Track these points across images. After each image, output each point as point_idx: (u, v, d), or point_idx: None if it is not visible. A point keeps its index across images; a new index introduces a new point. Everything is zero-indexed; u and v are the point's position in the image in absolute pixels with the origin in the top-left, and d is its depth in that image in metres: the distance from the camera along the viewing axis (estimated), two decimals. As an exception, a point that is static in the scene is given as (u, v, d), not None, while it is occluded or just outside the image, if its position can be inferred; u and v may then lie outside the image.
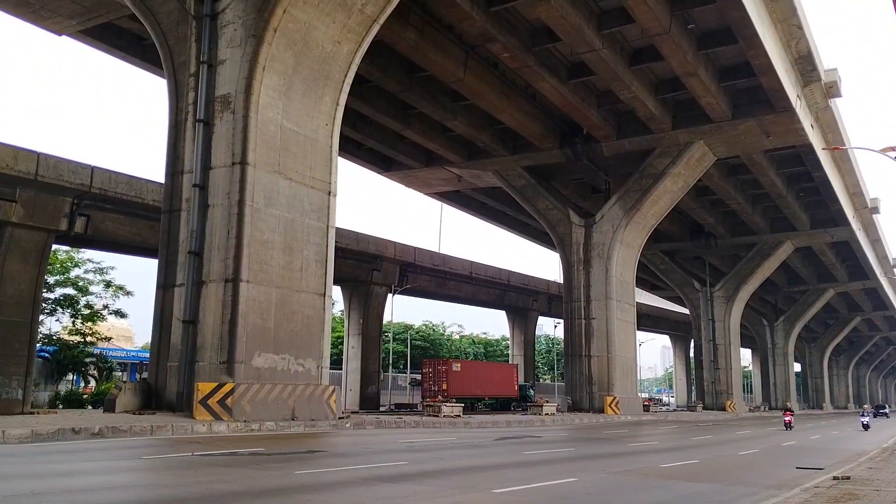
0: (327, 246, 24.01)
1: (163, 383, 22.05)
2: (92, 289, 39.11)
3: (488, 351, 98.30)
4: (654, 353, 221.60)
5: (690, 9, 30.55)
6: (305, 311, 23.07)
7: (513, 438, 23.16)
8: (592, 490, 11.64)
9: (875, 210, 57.19)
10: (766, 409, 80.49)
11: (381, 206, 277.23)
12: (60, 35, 30.87)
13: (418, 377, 66.24)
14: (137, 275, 44.03)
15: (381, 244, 48.39)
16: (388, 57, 32.66)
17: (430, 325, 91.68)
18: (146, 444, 15.72)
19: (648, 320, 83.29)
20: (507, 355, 77.84)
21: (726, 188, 49.47)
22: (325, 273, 23.83)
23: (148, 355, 27.52)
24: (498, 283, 61.29)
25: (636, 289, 48.55)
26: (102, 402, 25.32)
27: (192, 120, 22.75)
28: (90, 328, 39.47)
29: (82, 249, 37.85)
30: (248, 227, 21.45)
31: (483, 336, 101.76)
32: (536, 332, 76.96)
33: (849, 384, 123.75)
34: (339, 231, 29.53)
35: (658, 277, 70.42)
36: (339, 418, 23.89)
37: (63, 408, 33.61)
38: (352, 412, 34.49)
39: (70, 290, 38.41)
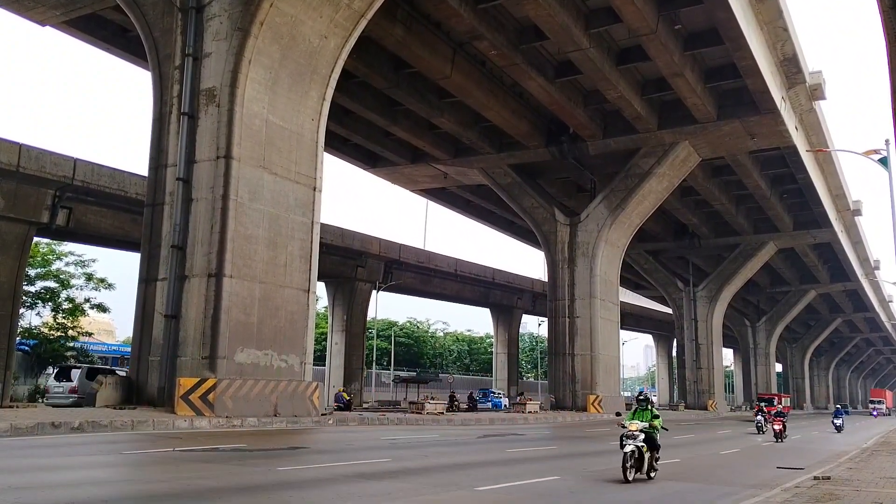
0: (312, 241, 23.90)
1: (144, 378, 21.87)
2: (73, 282, 38.78)
3: (472, 349, 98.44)
4: (637, 353, 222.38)
5: (677, 9, 30.63)
6: (289, 306, 22.96)
7: (496, 436, 23.17)
8: (575, 488, 11.66)
9: (857, 212, 57.66)
10: (748, 408, 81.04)
11: (367, 202, 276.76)
12: (44, 25, 30.51)
13: (402, 374, 66.30)
14: (119, 269, 43.74)
15: (366, 240, 48.28)
16: (375, 53, 32.55)
17: (415, 323, 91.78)
18: (127, 440, 15.60)
19: (632, 319, 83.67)
20: (492, 353, 77.96)
21: (710, 189, 49.72)
22: (310, 269, 23.72)
23: (129, 350, 27.33)
24: (483, 281, 61.33)
25: (620, 288, 48.72)
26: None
27: (176, 113, 22.55)
28: (71, 322, 39.13)
29: (64, 242, 37.51)
30: (231, 221, 21.30)
31: (467, 334, 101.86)
32: (521, 330, 77.15)
33: (829, 385, 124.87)
34: (323, 227, 29.45)
35: (642, 277, 70.71)
36: (322, 415, 23.81)
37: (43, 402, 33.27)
38: (334, 409, 34.39)
39: (51, 284, 38.06)
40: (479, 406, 47.28)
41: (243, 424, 19.67)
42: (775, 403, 52.49)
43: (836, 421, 36.13)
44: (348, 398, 38.00)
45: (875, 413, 79.48)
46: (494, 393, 47.80)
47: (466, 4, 29.02)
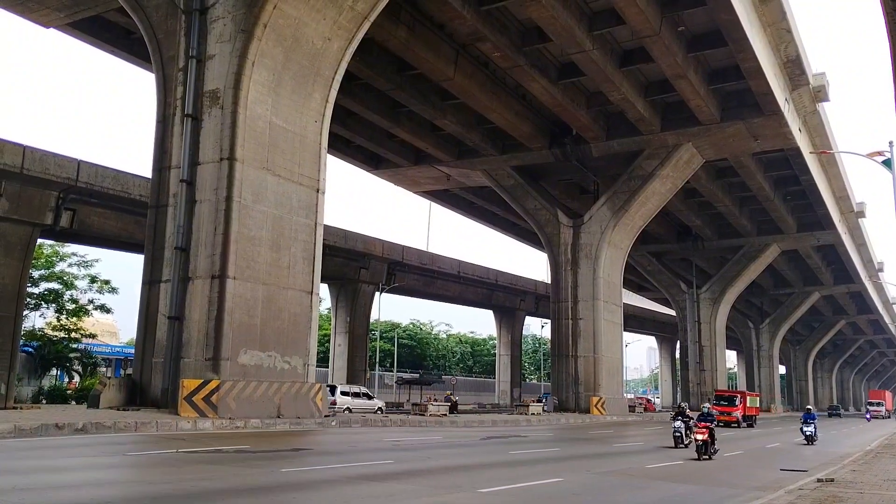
0: (315, 243, 23.92)
1: (148, 380, 21.91)
2: (77, 283, 38.86)
3: (475, 350, 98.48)
4: (640, 354, 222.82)
5: (681, 11, 30.62)
6: (292, 308, 22.97)
7: (499, 438, 23.16)
8: (578, 490, 11.65)
9: (861, 214, 57.57)
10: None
11: (370, 204, 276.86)
12: (48, 28, 30.60)
13: (405, 376, 66.33)
14: (123, 270, 43.86)
15: (369, 242, 48.31)
16: (378, 55, 32.58)
17: (418, 324, 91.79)
18: (130, 441, 15.61)
19: (635, 321, 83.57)
20: (495, 355, 77.94)
21: (714, 190, 49.66)
22: (313, 270, 23.74)
23: (133, 351, 27.37)
24: (486, 283, 61.32)
25: (623, 290, 48.64)
26: (86, 397, 25.15)
27: (180, 115, 22.60)
28: (74, 323, 39.19)
29: (68, 244, 37.58)
30: (235, 223, 21.33)
31: (470, 335, 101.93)
32: (523, 332, 77.19)
33: (833, 386, 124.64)
34: (326, 228, 29.45)
35: (645, 279, 70.64)
36: (325, 416, 23.82)
37: (46, 403, 33.34)
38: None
39: (55, 285, 38.13)
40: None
41: (246, 426, 19.68)
42: (737, 403, 42.14)
43: (805, 429, 27.03)
44: (454, 399, 39.33)
45: (869, 416, 70.22)
46: (552, 397, 48.97)
47: (469, 6, 29.03)
